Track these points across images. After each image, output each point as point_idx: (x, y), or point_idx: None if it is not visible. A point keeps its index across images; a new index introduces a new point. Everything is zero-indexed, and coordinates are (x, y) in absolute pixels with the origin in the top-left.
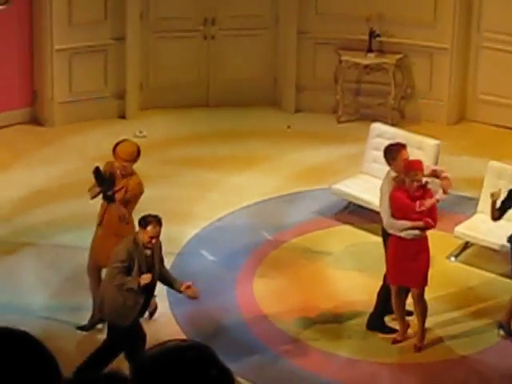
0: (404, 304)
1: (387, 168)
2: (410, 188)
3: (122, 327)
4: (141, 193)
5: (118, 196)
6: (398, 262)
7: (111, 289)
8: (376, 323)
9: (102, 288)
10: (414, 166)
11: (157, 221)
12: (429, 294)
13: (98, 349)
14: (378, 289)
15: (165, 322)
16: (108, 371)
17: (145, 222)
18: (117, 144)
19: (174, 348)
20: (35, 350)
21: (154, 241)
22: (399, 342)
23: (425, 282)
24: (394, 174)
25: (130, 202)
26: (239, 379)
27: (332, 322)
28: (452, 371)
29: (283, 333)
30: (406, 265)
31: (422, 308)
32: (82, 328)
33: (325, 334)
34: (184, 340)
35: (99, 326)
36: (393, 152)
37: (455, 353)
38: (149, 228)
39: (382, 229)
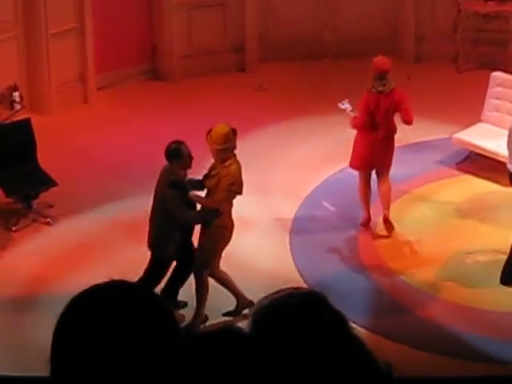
0: None
1: (508, 117)
2: None
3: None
4: (230, 185)
5: (209, 183)
6: None
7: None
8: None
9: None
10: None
11: None
12: None
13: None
14: (503, 238)
15: (288, 274)
16: (223, 326)
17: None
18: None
19: (283, 295)
20: (151, 303)
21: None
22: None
23: None
24: None
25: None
26: (358, 327)
27: (458, 272)
28: None
29: (407, 284)
30: None
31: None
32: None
33: (451, 284)
34: (296, 288)
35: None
36: None
37: None
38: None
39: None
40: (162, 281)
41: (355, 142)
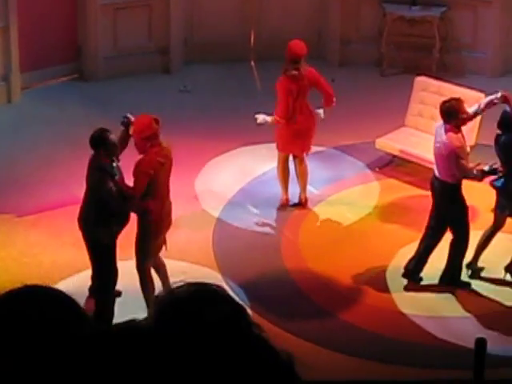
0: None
1: (432, 122)
2: None
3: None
4: (143, 172)
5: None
6: None
7: None
8: (448, 277)
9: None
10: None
11: None
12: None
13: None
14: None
15: (211, 276)
16: (126, 321)
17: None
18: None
19: (181, 288)
20: (64, 304)
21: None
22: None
23: None
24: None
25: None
26: (282, 332)
27: (376, 275)
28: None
29: (327, 286)
30: None
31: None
32: None
33: (370, 287)
34: (196, 282)
35: None
36: (456, 107)
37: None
38: None
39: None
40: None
41: (276, 127)
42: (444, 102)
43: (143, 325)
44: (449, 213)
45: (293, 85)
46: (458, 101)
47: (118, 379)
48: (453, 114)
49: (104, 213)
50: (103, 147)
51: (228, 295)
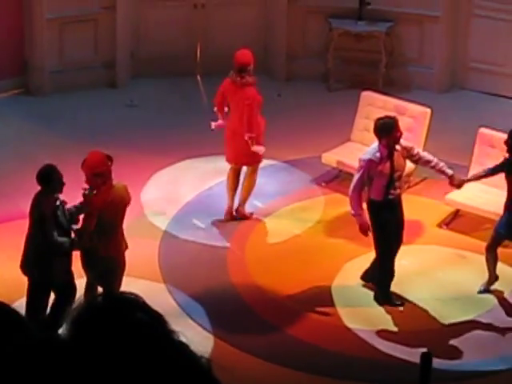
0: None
1: None
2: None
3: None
4: (89, 212)
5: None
6: None
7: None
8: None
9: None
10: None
11: None
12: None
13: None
14: (367, 256)
15: (157, 290)
16: (43, 335)
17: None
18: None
19: (96, 299)
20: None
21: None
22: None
23: None
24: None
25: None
26: (228, 346)
27: (322, 289)
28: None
29: (273, 300)
30: None
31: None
32: None
33: (315, 301)
34: (114, 293)
35: None
36: (389, 124)
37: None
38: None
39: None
40: (46, 305)
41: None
42: (378, 119)
43: (58, 338)
44: (372, 228)
45: (232, 88)
46: (393, 119)
47: None
48: (385, 131)
49: (47, 251)
50: (48, 185)
51: (145, 303)
